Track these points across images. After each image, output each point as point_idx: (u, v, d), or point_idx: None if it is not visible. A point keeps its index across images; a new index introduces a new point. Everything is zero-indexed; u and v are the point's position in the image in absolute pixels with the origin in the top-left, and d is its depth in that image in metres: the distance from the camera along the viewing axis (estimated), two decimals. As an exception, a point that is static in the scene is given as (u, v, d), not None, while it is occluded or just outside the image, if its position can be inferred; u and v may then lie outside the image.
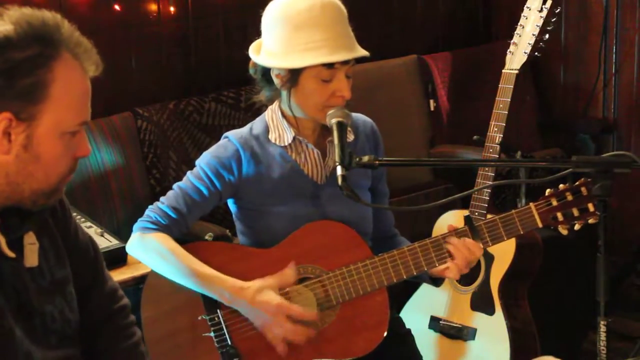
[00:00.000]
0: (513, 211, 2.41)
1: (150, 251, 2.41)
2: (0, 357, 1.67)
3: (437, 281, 2.53)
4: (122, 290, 2.05)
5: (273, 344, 2.35)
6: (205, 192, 2.45)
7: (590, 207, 2.36)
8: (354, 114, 2.49)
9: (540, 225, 2.39)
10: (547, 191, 2.40)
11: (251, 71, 2.48)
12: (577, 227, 2.38)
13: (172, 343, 2.41)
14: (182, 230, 2.46)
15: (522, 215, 2.40)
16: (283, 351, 2.35)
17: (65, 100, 1.65)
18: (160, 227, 2.42)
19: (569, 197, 2.37)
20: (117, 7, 3.48)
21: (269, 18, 2.40)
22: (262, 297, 2.34)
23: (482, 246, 2.40)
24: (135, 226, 2.46)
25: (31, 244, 1.74)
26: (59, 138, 1.67)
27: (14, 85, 1.60)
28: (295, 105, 2.42)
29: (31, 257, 1.74)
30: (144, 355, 2.01)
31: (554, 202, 2.38)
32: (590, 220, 2.36)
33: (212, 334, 2.38)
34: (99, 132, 3.30)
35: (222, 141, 2.51)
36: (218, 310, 2.39)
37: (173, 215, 2.43)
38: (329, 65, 2.33)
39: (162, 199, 2.47)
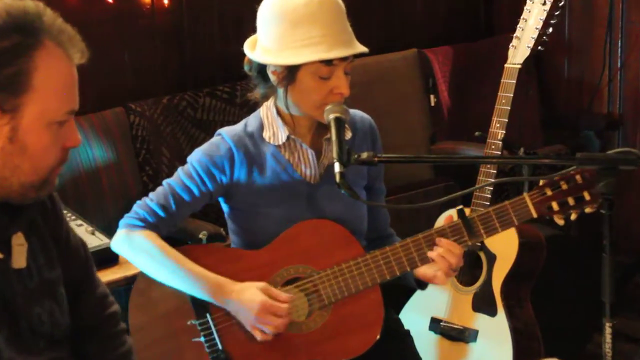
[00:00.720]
0: (507, 202, 2.38)
1: (137, 249, 2.40)
2: None
3: (422, 285, 2.52)
4: (113, 292, 2.04)
5: (260, 339, 2.36)
6: (195, 191, 2.44)
7: (586, 195, 2.33)
8: (352, 110, 2.48)
9: (535, 215, 2.37)
10: (541, 181, 2.38)
11: (246, 68, 2.47)
12: (573, 216, 2.35)
13: (160, 349, 2.41)
14: (170, 229, 2.45)
15: (516, 206, 2.37)
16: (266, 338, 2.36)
17: (49, 89, 1.64)
18: (148, 225, 2.42)
19: (564, 186, 2.34)
20: (109, -1, 3.48)
21: (265, 14, 2.37)
22: (246, 295, 2.35)
23: (461, 246, 2.38)
24: (122, 222, 2.45)
25: (19, 244, 1.73)
26: (46, 128, 1.65)
27: None
28: (292, 103, 2.40)
29: (19, 259, 1.73)
30: None
31: (549, 192, 2.36)
32: (587, 209, 2.33)
33: (202, 339, 2.38)
34: (90, 128, 3.30)
35: (215, 139, 2.50)
36: (208, 315, 2.39)
37: (161, 213, 2.42)
38: (328, 62, 2.31)
39: (150, 195, 2.46)
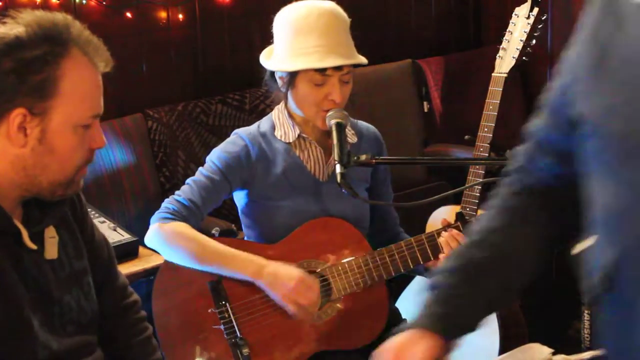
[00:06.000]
0: None
1: (171, 239, 2.37)
2: (19, 347, 1.66)
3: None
4: (134, 282, 2.05)
5: (293, 312, 2.33)
6: (217, 184, 2.44)
7: None
8: (359, 122, 2.52)
9: None
10: None
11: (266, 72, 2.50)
12: None
13: (182, 334, 2.39)
14: (197, 221, 2.43)
15: None
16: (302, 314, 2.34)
17: (75, 94, 1.65)
18: (178, 217, 2.40)
19: None
20: (128, 14, 3.48)
21: (277, 23, 2.42)
22: (283, 270, 2.32)
23: None
24: (154, 218, 2.43)
25: (51, 237, 1.75)
26: (72, 131, 1.66)
27: (25, 82, 1.60)
28: (293, 105, 2.44)
29: (51, 250, 1.74)
30: (156, 348, 2.02)
31: None
32: None
33: (221, 327, 2.36)
34: (111, 132, 3.29)
35: (231, 137, 2.52)
36: (227, 304, 2.36)
37: (189, 205, 2.41)
38: (321, 70, 2.33)
39: (177, 192, 2.45)
